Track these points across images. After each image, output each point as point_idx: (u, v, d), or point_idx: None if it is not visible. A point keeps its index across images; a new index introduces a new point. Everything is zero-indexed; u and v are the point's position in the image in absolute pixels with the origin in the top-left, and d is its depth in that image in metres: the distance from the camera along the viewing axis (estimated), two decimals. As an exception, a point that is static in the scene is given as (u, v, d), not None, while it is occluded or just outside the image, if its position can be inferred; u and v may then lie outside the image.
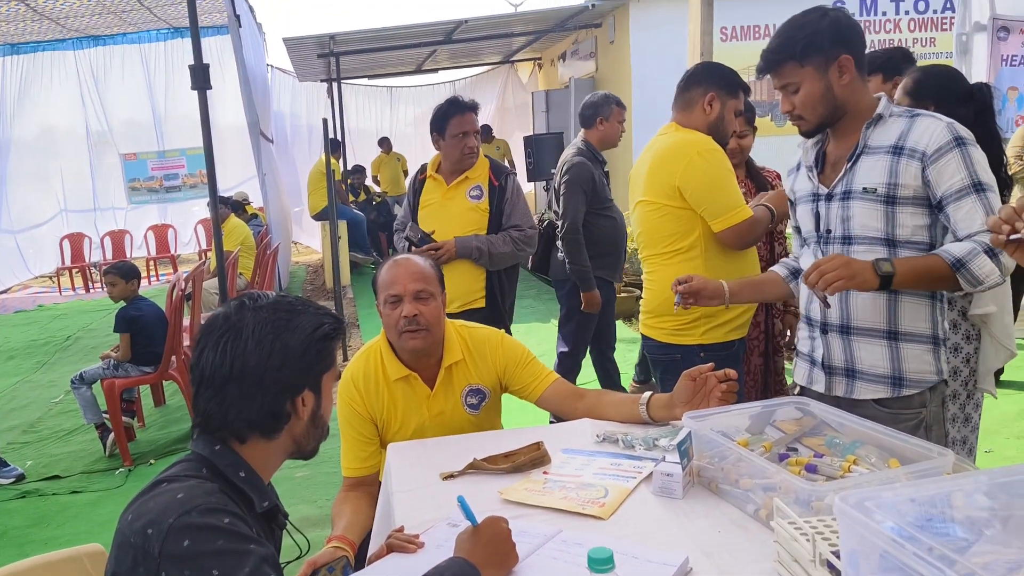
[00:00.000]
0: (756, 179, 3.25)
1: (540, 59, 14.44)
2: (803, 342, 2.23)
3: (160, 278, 12.28)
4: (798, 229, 2.28)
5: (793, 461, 1.65)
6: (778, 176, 3.43)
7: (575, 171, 4.11)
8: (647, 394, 2.17)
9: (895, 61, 3.60)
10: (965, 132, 1.94)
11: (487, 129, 12.80)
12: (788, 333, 3.31)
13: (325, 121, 6.79)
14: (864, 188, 2.00)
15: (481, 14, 10.07)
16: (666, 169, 2.69)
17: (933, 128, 1.94)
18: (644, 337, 2.94)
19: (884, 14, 9.41)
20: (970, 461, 2.52)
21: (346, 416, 2.26)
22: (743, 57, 8.75)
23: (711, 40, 5.17)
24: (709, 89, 2.73)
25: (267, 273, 7.68)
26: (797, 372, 2.26)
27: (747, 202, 2.76)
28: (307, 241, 13.70)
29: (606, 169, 4.33)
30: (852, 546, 1.05)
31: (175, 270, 12.40)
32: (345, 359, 5.83)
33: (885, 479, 1.50)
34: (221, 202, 7.85)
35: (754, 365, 3.21)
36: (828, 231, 2.10)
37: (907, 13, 9.31)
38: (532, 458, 1.94)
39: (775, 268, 2.44)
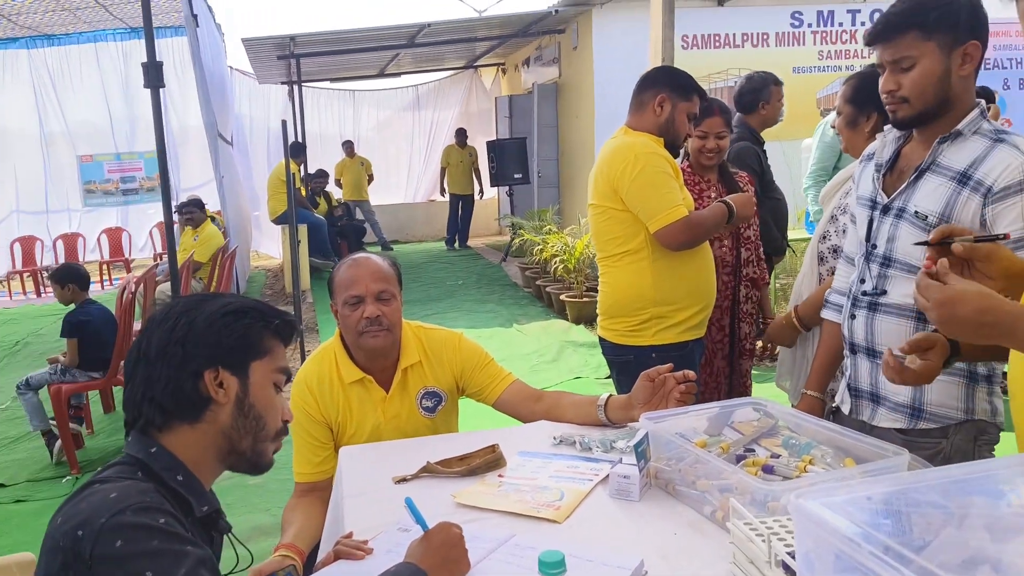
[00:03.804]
0: (727, 181, 3.24)
1: (504, 64, 14.43)
2: (845, 361, 2.05)
3: (113, 282, 12.00)
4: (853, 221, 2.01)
5: (750, 462, 1.64)
6: (751, 180, 3.39)
7: (744, 153, 3.84)
8: (604, 395, 2.15)
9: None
10: None
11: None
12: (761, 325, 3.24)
13: (284, 123, 6.67)
14: (916, 212, 1.78)
15: (445, 18, 9.99)
16: (605, 172, 2.74)
17: (1009, 161, 1.69)
18: (600, 339, 2.94)
19: (840, 25, 9.56)
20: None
21: (298, 420, 2.20)
22: (704, 65, 8.85)
23: (672, 47, 5.20)
24: (660, 91, 2.75)
25: (224, 277, 7.53)
26: (839, 391, 2.10)
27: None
28: (266, 247, 13.50)
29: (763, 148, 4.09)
30: (807, 546, 1.02)
31: (128, 274, 12.14)
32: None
33: (840, 479, 1.48)
34: (193, 206, 7.68)
35: (717, 367, 3.20)
36: (874, 246, 1.89)
37: (863, 24, 9.44)
38: (487, 461, 1.90)
39: (828, 316, 2.16)
